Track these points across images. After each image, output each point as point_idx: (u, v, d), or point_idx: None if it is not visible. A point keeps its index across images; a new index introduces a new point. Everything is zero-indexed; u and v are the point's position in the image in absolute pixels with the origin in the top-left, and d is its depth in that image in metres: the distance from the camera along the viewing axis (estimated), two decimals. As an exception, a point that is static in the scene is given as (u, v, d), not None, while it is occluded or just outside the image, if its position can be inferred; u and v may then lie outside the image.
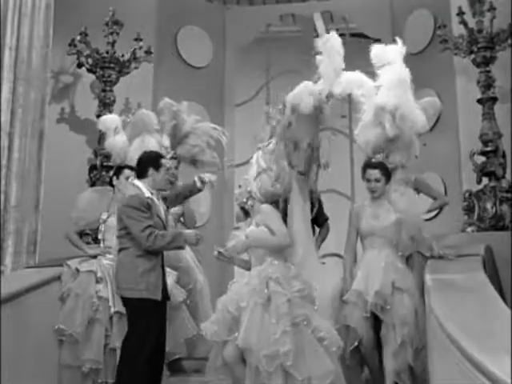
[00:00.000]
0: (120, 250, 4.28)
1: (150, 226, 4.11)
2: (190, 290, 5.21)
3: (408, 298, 4.31)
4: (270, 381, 3.77)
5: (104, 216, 5.02)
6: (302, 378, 3.78)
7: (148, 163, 4.34)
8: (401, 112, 4.64)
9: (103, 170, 6.33)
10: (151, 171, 4.30)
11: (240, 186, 4.39)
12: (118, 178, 5.09)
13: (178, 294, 4.92)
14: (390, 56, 4.81)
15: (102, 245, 5.05)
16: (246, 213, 4.39)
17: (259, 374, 3.80)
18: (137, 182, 4.31)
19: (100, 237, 5.09)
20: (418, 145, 4.86)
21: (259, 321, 3.85)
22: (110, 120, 5.89)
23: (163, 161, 4.40)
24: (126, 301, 4.24)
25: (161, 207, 4.34)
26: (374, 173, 4.58)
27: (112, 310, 4.65)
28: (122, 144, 5.64)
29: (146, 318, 4.11)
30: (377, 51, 4.85)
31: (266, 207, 4.20)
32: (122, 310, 4.59)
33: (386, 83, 4.71)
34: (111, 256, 4.87)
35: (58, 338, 4.71)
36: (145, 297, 4.11)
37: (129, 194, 4.30)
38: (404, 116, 4.65)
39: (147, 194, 4.24)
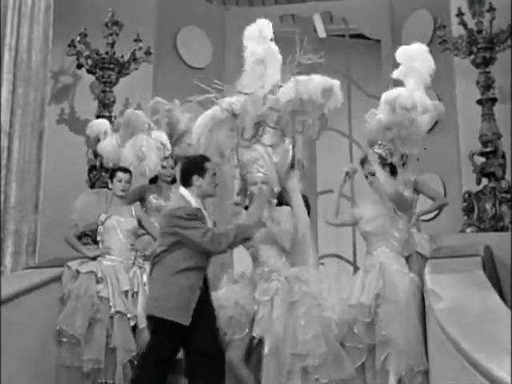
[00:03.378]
0: (154, 265, 3.92)
1: (208, 230, 3.77)
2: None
3: (398, 311, 4.05)
4: (289, 380, 3.76)
5: (102, 217, 5.01)
6: (325, 381, 3.78)
7: (191, 170, 3.96)
8: (401, 102, 4.60)
9: (103, 171, 6.30)
10: (195, 178, 3.93)
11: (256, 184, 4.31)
12: (112, 181, 5.07)
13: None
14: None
15: (100, 246, 5.05)
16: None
17: (279, 373, 3.79)
18: (182, 191, 3.95)
19: (99, 238, 5.08)
20: (419, 145, 4.82)
21: (286, 320, 3.87)
22: (98, 124, 5.91)
23: (208, 164, 3.99)
24: (149, 318, 3.92)
25: (208, 219, 3.97)
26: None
27: (113, 309, 4.65)
28: (111, 147, 5.64)
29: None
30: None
31: (286, 210, 4.28)
32: (123, 309, 4.60)
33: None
34: (112, 257, 4.89)
35: (58, 339, 4.70)
36: (169, 318, 3.72)
37: (173, 206, 3.94)
38: (404, 106, 4.61)
39: (195, 204, 3.89)
